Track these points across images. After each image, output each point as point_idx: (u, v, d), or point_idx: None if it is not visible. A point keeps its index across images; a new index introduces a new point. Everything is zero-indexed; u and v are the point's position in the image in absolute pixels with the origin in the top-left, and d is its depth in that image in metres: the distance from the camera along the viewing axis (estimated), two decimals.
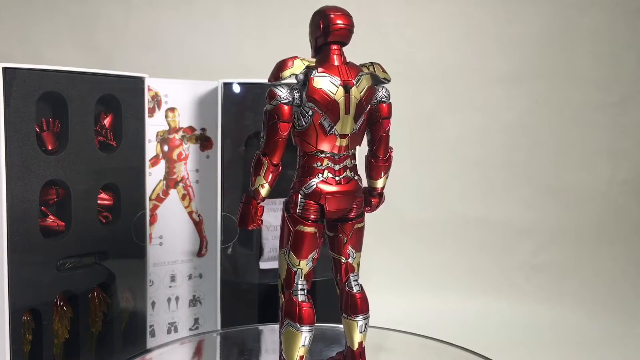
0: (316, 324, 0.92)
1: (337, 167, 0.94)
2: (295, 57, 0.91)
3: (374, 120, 0.97)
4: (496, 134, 2.05)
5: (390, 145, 0.98)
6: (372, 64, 0.94)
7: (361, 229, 0.97)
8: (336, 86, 0.90)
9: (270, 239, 1.51)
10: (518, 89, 2.05)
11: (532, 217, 2.06)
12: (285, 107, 0.90)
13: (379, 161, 0.98)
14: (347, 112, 0.91)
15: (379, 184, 1.00)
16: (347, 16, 0.91)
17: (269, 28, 1.94)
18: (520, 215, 2.06)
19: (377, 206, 1.01)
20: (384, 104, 0.96)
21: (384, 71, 0.95)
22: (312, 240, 0.94)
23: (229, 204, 1.45)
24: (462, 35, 2.04)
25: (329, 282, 1.43)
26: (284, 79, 0.90)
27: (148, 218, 1.45)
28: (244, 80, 1.43)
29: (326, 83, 0.90)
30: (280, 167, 0.93)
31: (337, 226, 0.97)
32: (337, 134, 0.92)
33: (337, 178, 0.94)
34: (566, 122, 2.06)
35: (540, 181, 2.06)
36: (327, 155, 0.93)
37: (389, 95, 0.96)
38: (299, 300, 0.94)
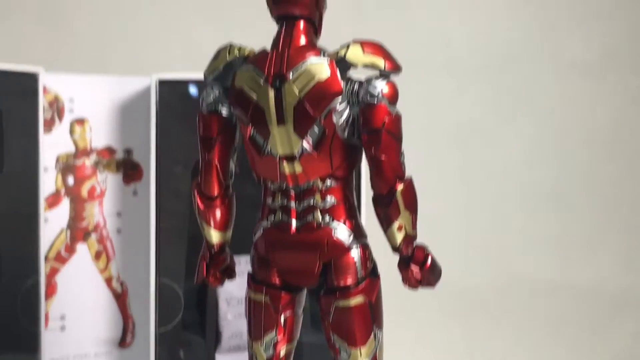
0: None
1: (297, 207, 0.97)
2: (229, 45, 0.97)
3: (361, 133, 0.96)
4: (576, 151, 2.05)
5: (408, 174, 0.96)
6: (348, 45, 0.93)
7: (352, 311, 0.96)
8: (259, 83, 0.93)
9: (231, 318, 1.50)
10: (606, 83, 2.05)
11: (635, 280, 2.05)
12: (212, 116, 0.98)
13: (381, 201, 0.95)
14: (279, 121, 0.93)
15: (393, 238, 0.96)
16: None
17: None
18: (616, 278, 2.05)
19: (415, 280, 0.97)
20: (370, 107, 0.93)
21: (373, 53, 0.93)
22: (264, 313, 0.99)
23: (168, 264, 1.46)
24: (522, 4, 2.03)
25: None
26: (208, 77, 0.98)
27: (43, 288, 1.42)
28: (187, 76, 1.47)
29: (247, 79, 0.94)
30: (226, 202, 1.00)
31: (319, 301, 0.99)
32: (275, 155, 0.94)
33: (295, 223, 0.96)
34: None
35: None
36: (277, 187, 0.97)
37: (381, 92, 0.93)
38: None
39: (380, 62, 0.92)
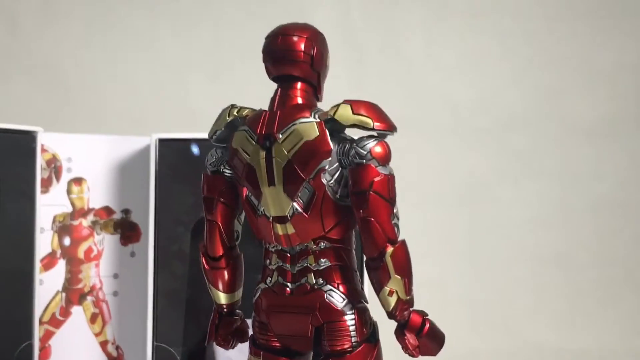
0: None
1: (291, 269, 0.97)
2: (230, 106, 1.00)
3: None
4: (584, 214, 2.04)
5: (402, 237, 0.95)
6: (339, 105, 0.94)
7: None
8: (252, 143, 0.95)
9: None
10: (614, 145, 2.05)
11: None
12: (215, 177, 1.00)
13: (371, 264, 0.94)
14: (270, 182, 0.94)
15: (386, 303, 0.94)
16: (286, 36, 0.96)
17: (226, 57, 1.97)
18: (627, 343, 2.02)
19: (412, 347, 0.95)
20: (358, 167, 0.92)
21: (363, 113, 0.93)
22: None
23: (166, 328, 1.44)
24: (526, 65, 2.03)
25: None
26: (211, 138, 1.01)
27: (37, 352, 1.41)
28: (188, 135, 1.47)
29: (242, 139, 0.96)
30: (231, 263, 1.01)
31: None
32: (269, 216, 0.96)
33: (289, 285, 0.97)
34: None
35: None
36: (274, 248, 0.98)
37: (370, 153, 0.93)
38: None
39: (369, 122, 0.92)
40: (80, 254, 1.50)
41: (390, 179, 0.93)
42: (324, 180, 0.93)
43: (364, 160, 0.92)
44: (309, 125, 0.93)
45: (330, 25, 1.83)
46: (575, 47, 2.06)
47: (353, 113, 0.93)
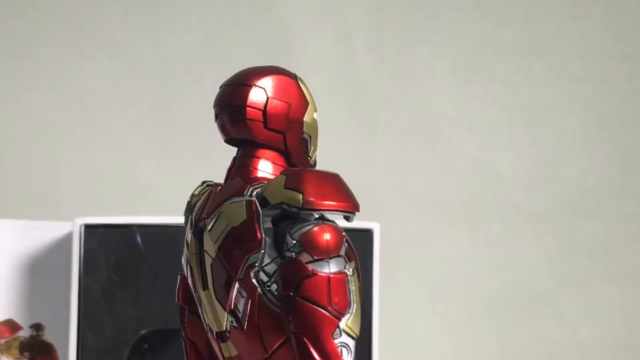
0: None
1: None
2: (201, 184, 0.96)
3: None
4: None
5: None
6: (274, 180, 0.85)
7: None
8: (190, 232, 0.92)
9: None
10: None
11: None
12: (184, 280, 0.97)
13: None
14: (203, 284, 0.89)
15: None
16: (231, 85, 0.90)
17: (179, 118, 1.85)
18: None
19: None
20: (284, 263, 0.83)
21: (296, 185, 0.84)
22: None
23: None
24: (599, 121, 1.92)
25: None
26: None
27: None
28: (127, 220, 1.40)
29: (187, 228, 0.93)
30: None
31: None
32: (213, 332, 0.90)
33: None
34: None
35: None
36: None
37: (298, 241, 0.82)
38: None
39: (297, 198, 0.82)
40: None
41: (333, 279, 0.82)
42: (255, 282, 0.85)
43: (293, 253, 0.82)
44: (236, 206, 0.86)
45: (326, 67, 1.81)
46: None
47: (285, 187, 0.83)
